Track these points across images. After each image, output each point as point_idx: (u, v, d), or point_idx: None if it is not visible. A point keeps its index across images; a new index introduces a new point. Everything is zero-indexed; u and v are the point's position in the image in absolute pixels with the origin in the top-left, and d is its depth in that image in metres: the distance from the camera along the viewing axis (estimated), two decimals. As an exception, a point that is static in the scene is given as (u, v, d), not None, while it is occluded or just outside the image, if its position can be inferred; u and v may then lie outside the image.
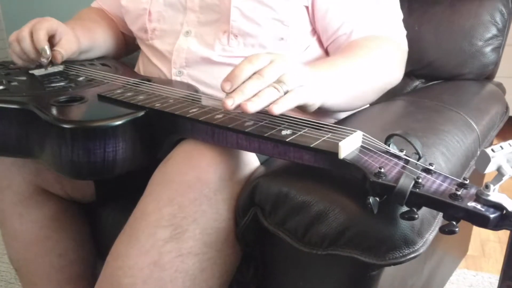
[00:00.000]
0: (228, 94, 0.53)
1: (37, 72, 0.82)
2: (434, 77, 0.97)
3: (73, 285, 0.83)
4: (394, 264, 0.48)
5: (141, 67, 0.90)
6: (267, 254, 0.64)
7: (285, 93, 0.54)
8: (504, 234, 1.35)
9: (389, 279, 0.61)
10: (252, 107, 0.51)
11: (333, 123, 0.61)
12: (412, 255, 0.48)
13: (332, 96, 0.65)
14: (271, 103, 0.52)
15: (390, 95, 0.81)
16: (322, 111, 0.73)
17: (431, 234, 0.51)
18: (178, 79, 0.81)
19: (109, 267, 0.58)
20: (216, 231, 0.58)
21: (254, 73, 0.54)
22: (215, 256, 0.59)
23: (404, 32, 0.81)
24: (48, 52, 0.78)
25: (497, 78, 1.00)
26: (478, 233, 1.52)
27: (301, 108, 0.59)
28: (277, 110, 0.52)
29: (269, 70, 0.54)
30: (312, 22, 0.78)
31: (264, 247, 0.63)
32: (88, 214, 0.88)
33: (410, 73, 0.96)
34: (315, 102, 0.59)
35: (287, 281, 0.64)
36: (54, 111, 0.64)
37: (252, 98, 0.52)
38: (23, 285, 0.85)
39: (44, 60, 0.78)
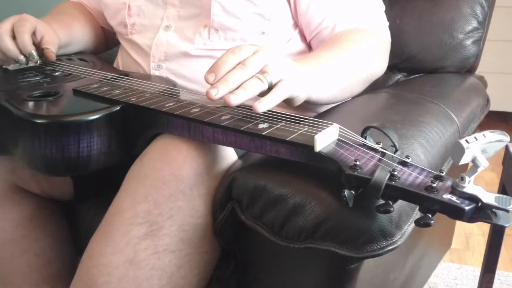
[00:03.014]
0: (212, 85, 0.53)
1: (12, 66, 0.80)
2: (416, 70, 0.97)
3: (51, 284, 0.81)
4: (372, 256, 0.48)
5: (120, 62, 0.89)
6: (246, 249, 0.63)
7: (269, 83, 0.54)
8: (488, 227, 1.36)
9: (369, 273, 0.60)
10: (236, 100, 0.51)
11: (314, 117, 0.60)
12: (390, 247, 0.48)
13: (318, 89, 0.65)
14: (253, 97, 0.52)
15: (371, 88, 0.81)
16: (304, 104, 0.73)
17: (410, 226, 0.51)
18: (157, 73, 0.79)
19: (84, 266, 0.57)
20: (193, 227, 0.57)
21: (238, 64, 0.54)
22: (193, 252, 0.58)
23: (387, 23, 0.81)
24: (36, 56, 0.77)
25: (480, 73, 1.01)
26: (462, 226, 1.53)
27: (287, 102, 0.59)
28: (261, 108, 0.52)
29: (253, 60, 0.54)
30: (294, 16, 0.78)
31: (243, 242, 0.62)
32: (66, 212, 0.87)
33: (392, 66, 0.95)
34: (299, 95, 0.59)
35: (266, 276, 0.63)
36: (27, 106, 0.62)
37: (235, 91, 0.52)
38: (0, 285, 0.84)
39: (23, 60, 0.77)
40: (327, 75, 0.67)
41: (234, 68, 0.54)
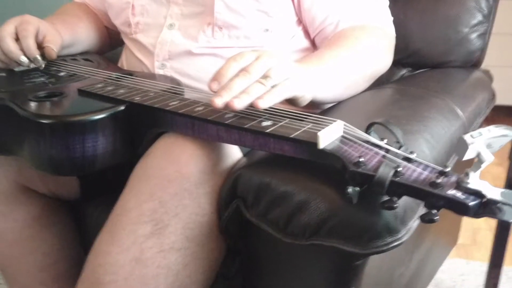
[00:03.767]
0: (216, 93, 0.53)
1: (17, 67, 0.80)
2: (421, 65, 0.96)
3: (59, 284, 0.82)
4: (377, 252, 0.48)
5: (124, 62, 0.89)
6: (252, 247, 0.63)
7: (272, 87, 0.54)
8: (496, 222, 1.36)
9: (375, 269, 0.60)
10: (239, 104, 0.52)
11: (318, 113, 0.60)
12: (395, 243, 0.48)
13: (323, 89, 0.65)
14: (257, 98, 0.52)
15: (376, 84, 0.81)
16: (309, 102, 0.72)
17: (415, 221, 0.51)
18: (161, 72, 0.80)
19: (90, 265, 0.57)
20: (198, 225, 0.57)
21: (241, 71, 0.54)
22: (198, 250, 0.58)
23: (391, 18, 0.81)
24: (41, 61, 0.78)
25: (486, 67, 1.00)
26: (469, 221, 1.52)
27: (291, 102, 0.59)
28: (262, 104, 0.52)
29: (255, 66, 0.54)
30: (298, 13, 0.78)
31: (249, 240, 0.62)
32: (73, 211, 0.87)
33: (396, 62, 0.95)
34: (304, 95, 0.59)
35: (272, 273, 0.63)
36: (32, 106, 0.63)
37: (238, 95, 0.52)
38: (9, 285, 0.84)
39: (25, 61, 0.77)
40: (332, 74, 0.67)
41: (237, 75, 0.54)
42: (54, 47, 0.79)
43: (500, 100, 1.02)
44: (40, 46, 0.79)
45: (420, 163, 0.45)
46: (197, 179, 0.57)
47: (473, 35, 0.92)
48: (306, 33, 0.81)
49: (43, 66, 0.79)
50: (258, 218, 0.54)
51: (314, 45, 0.82)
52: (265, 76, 0.54)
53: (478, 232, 1.49)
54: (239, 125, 0.52)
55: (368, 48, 0.73)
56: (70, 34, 0.88)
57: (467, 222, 1.50)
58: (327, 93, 0.67)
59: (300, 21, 0.79)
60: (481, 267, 1.30)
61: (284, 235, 0.52)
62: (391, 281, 0.71)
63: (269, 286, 0.64)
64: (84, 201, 0.85)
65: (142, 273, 0.55)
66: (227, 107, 0.52)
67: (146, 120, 0.61)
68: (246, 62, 0.55)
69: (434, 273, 1.08)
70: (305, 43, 0.81)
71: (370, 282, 0.58)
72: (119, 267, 0.55)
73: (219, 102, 0.52)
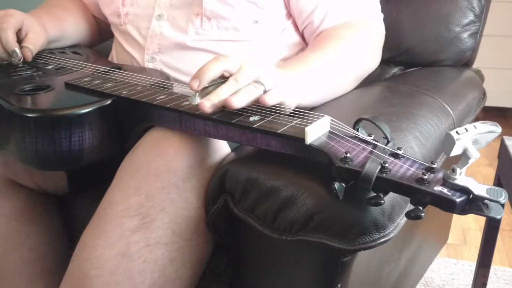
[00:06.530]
0: (204, 98, 0.53)
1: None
2: (413, 63, 0.96)
3: (45, 279, 0.81)
4: (364, 249, 0.47)
5: (114, 55, 0.88)
6: (240, 242, 0.63)
7: (264, 92, 0.54)
8: (485, 222, 1.36)
9: (364, 266, 0.60)
10: (239, 102, 0.52)
11: (306, 109, 0.60)
12: (383, 240, 0.48)
13: (307, 95, 0.65)
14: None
15: (367, 82, 0.80)
16: None
17: (403, 218, 0.50)
18: (151, 65, 0.79)
19: (76, 259, 0.57)
20: (185, 220, 0.57)
21: (229, 77, 0.54)
22: (185, 245, 0.58)
23: (381, 15, 0.80)
24: (19, 54, 0.76)
25: (478, 69, 1.00)
26: (459, 221, 1.53)
27: None
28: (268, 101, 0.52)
29: (244, 74, 0.54)
30: (287, 5, 0.78)
31: (236, 236, 0.62)
32: (60, 206, 0.86)
33: (388, 60, 0.95)
34: (290, 104, 0.59)
35: (260, 269, 0.63)
36: (17, 100, 0.62)
37: (237, 93, 0.52)
38: (-6, 280, 0.83)
39: (13, 60, 0.76)
40: (316, 80, 0.66)
41: (227, 82, 0.53)
42: (32, 47, 0.77)
43: (493, 102, 1.02)
44: (21, 42, 0.77)
45: (408, 159, 0.45)
46: (185, 173, 0.56)
47: (465, 34, 0.92)
48: (297, 27, 0.81)
49: (22, 61, 0.76)
50: (245, 213, 0.54)
51: (305, 40, 0.82)
52: (256, 81, 0.54)
53: (468, 232, 1.50)
54: (227, 120, 0.52)
55: (355, 48, 0.73)
56: (58, 29, 0.87)
57: (456, 221, 1.51)
58: (312, 98, 0.67)
59: (290, 15, 0.79)
60: (471, 266, 1.30)
61: (271, 231, 0.52)
62: (380, 279, 0.71)
63: (257, 282, 0.64)
64: (71, 195, 0.84)
65: (128, 267, 0.54)
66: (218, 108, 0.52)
67: (134, 114, 0.60)
68: (228, 65, 0.54)
69: (423, 272, 1.09)
70: (296, 38, 0.81)
71: (358, 279, 0.58)
72: (105, 261, 0.54)
73: (208, 105, 0.51)
